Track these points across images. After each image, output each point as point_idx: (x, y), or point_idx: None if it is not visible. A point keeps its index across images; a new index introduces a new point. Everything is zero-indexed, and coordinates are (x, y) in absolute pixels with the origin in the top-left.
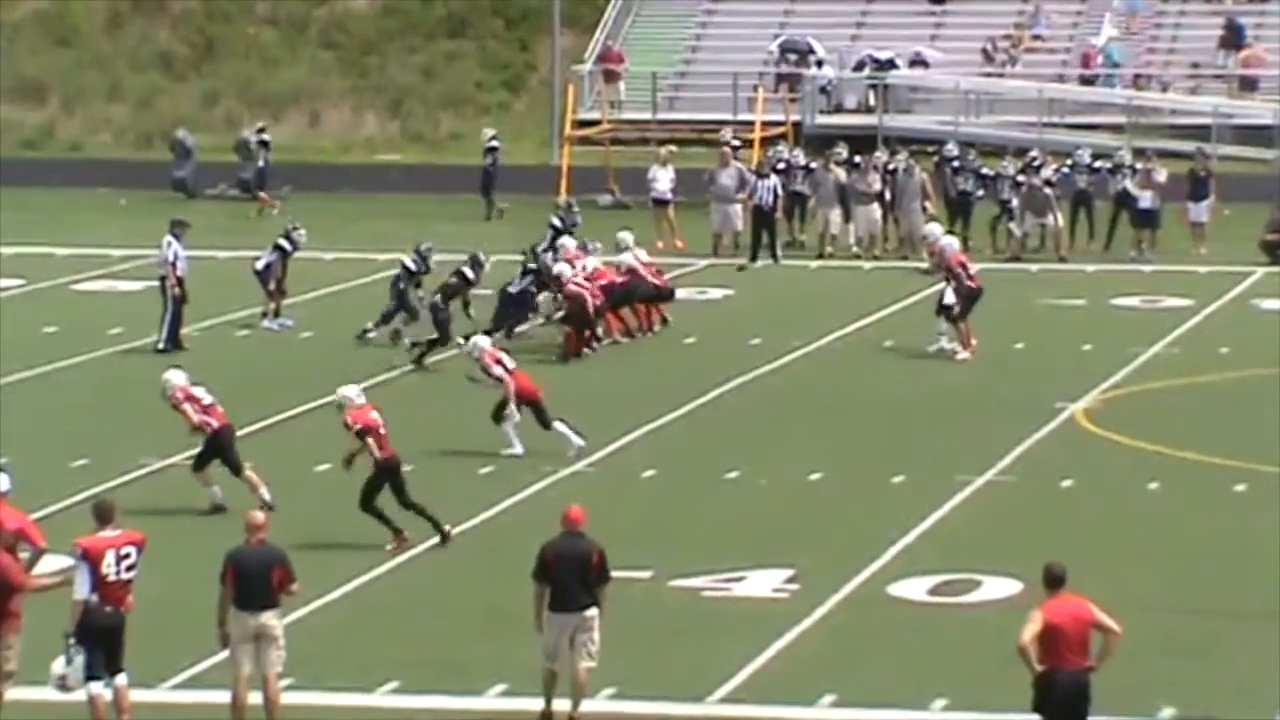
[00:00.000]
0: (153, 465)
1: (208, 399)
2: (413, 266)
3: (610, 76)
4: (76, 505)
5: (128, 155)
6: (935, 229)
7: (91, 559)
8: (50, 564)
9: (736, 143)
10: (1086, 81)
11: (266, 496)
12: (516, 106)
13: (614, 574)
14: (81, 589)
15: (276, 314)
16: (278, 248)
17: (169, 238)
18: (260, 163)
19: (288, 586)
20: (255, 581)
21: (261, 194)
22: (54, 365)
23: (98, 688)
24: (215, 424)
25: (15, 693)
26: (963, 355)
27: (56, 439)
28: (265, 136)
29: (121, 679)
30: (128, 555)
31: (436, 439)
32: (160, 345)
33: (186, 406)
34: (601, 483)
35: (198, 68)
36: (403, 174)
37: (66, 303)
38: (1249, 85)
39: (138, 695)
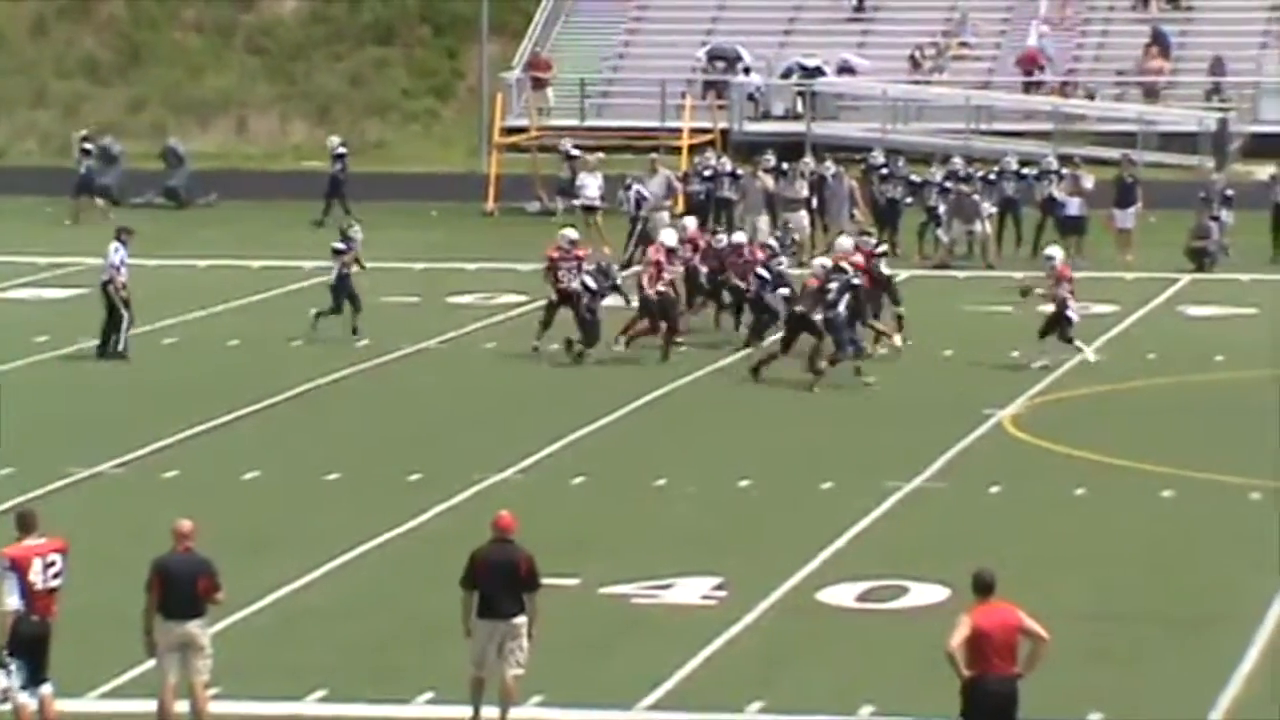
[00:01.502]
0: (79, 474)
1: None
2: (341, 247)
3: (538, 84)
4: (1, 515)
5: (52, 162)
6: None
7: (19, 568)
8: None
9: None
10: (1028, 87)
11: None
12: (444, 114)
13: (543, 581)
14: (11, 599)
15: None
16: (336, 251)
17: (115, 244)
18: (83, 169)
19: (213, 595)
20: (181, 590)
21: (98, 200)
22: None
23: (23, 697)
24: None
25: None
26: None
27: None
28: (89, 146)
29: (47, 688)
30: (54, 563)
31: (367, 445)
32: (120, 349)
33: None
34: (531, 490)
35: (124, 74)
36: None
37: None
38: (1152, 93)
39: (64, 705)
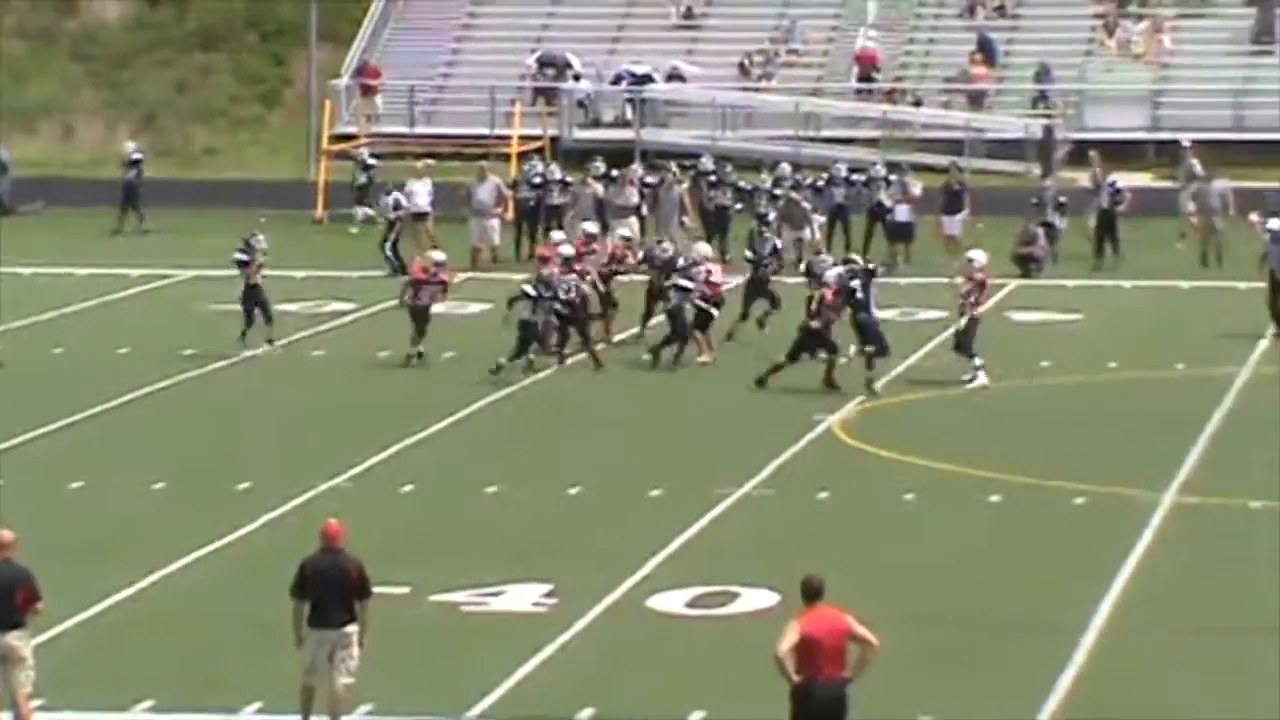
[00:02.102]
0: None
1: None
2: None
3: (367, 90)
4: None
5: None
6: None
7: None
8: None
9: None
10: (859, 93)
11: None
12: (272, 120)
13: (374, 589)
14: None
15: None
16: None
17: None
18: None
19: (33, 605)
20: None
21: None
22: None
23: None
24: None
25: None
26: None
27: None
28: None
29: None
30: None
31: (195, 454)
32: None
33: None
34: (360, 498)
35: None
36: (157, 189)
37: None
38: (978, 101)
39: None
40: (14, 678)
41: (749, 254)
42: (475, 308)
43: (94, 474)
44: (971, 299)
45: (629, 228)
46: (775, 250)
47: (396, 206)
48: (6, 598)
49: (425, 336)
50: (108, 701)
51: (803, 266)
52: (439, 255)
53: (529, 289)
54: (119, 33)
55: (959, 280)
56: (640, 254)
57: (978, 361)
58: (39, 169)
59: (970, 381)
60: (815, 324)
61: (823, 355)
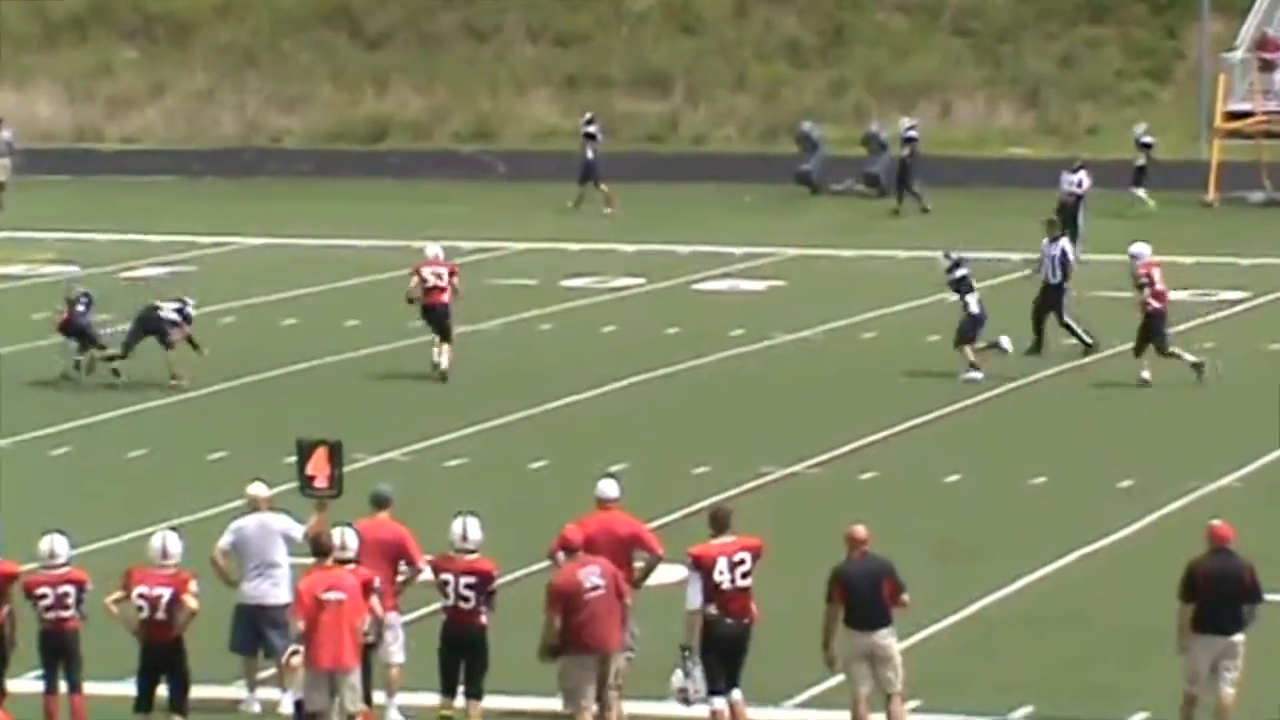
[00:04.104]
0: (774, 474)
1: None
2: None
3: (1265, 65)
4: (697, 513)
5: (752, 149)
6: None
7: (703, 567)
8: (666, 573)
9: None
10: None
11: None
12: (1161, 97)
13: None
14: (693, 599)
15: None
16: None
17: None
18: (589, 155)
19: (899, 599)
20: (864, 598)
21: (603, 187)
22: (675, 367)
23: (720, 702)
24: None
25: (635, 705)
26: None
27: (677, 445)
28: (592, 129)
29: (737, 694)
30: (741, 562)
31: (1073, 447)
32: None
33: None
34: (1249, 499)
35: (824, 56)
36: (1034, 169)
37: (688, 302)
38: None
39: (757, 713)
40: (883, 677)
41: None
42: None
43: (970, 466)
44: None
45: None
46: None
47: None
48: (871, 593)
49: None
50: (984, 706)
51: None
52: None
53: None
54: (1003, 6)
55: None
56: None
57: None
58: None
59: None
60: None
61: None
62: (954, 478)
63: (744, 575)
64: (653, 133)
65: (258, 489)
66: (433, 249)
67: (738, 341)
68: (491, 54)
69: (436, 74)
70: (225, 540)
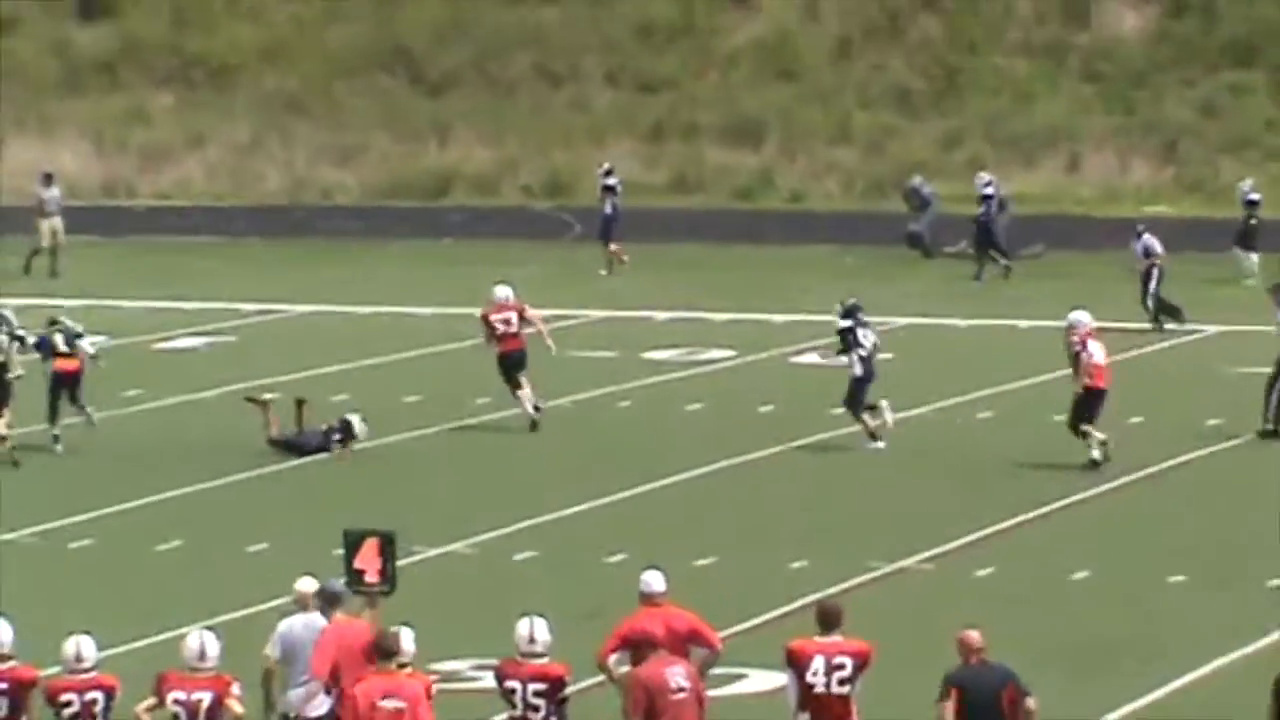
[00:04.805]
0: (880, 569)
1: None
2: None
3: None
4: (792, 614)
5: (855, 207)
6: None
7: (795, 664)
8: (759, 680)
9: None
10: None
11: None
12: None
13: None
14: (790, 700)
15: None
16: None
17: None
18: (608, 209)
19: (1024, 707)
20: (982, 706)
21: (611, 245)
22: (768, 450)
23: None
24: None
25: None
26: None
27: (772, 536)
28: (612, 180)
29: None
30: (841, 666)
31: (1215, 541)
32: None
33: None
34: None
35: (937, 104)
36: (1171, 229)
37: (783, 377)
38: None
39: None
40: None
41: None
42: None
43: (1100, 561)
44: None
45: None
46: None
47: None
48: (989, 703)
49: None
50: None
51: None
52: None
53: None
54: (1136, 47)
55: None
56: None
57: None
58: (1041, 205)
59: None
60: None
61: None
62: (1081, 574)
63: (841, 682)
64: (744, 188)
65: (306, 584)
66: (502, 291)
67: (838, 421)
68: (566, 101)
69: (505, 123)
70: (274, 649)
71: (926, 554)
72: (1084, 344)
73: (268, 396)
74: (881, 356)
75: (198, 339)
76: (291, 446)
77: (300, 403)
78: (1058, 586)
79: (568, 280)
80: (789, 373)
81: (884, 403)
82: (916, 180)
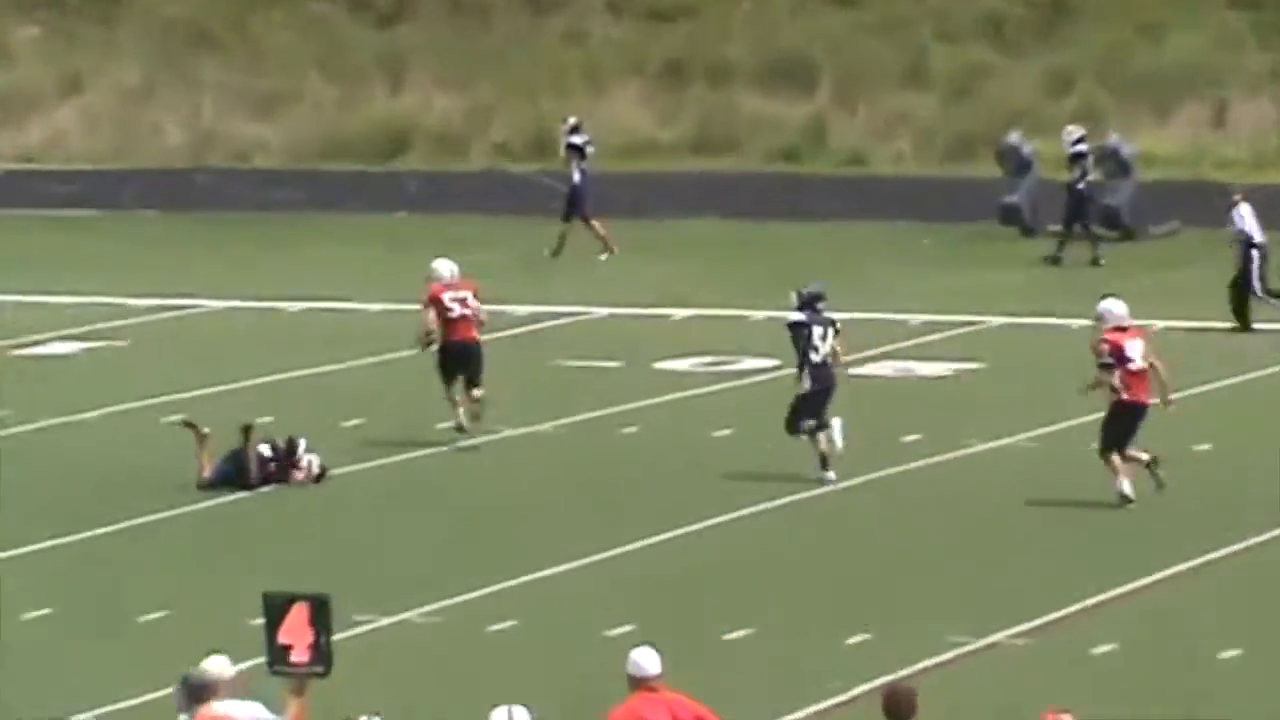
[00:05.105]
0: (966, 646)
1: None
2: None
3: None
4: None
5: (933, 171)
6: None
7: None
8: None
9: None
10: None
11: None
12: None
13: None
14: None
15: None
16: None
17: None
18: (576, 177)
19: None
20: None
21: (594, 222)
22: (820, 490)
23: None
24: None
25: None
26: None
27: (823, 603)
28: (578, 139)
29: None
30: None
31: None
32: None
33: None
34: None
35: (1041, 37)
36: None
37: (840, 393)
38: None
39: None
40: None
41: None
42: None
43: (1244, 634)
44: None
45: None
46: None
47: None
48: None
49: None
50: None
51: None
52: None
53: None
54: None
55: None
56: None
57: None
58: (1174, 169)
59: None
60: None
61: None
62: (1232, 653)
63: None
64: (788, 147)
65: (216, 666)
66: (445, 266)
67: (912, 451)
68: (555, 33)
69: (475, 62)
70: None
71: (1023, 625)
72: (1117, 345)
73: (206, 430)
74: (968, 366)
75: (74, 344)
76: (230, 482)
77: (247, 429)
78: (1199, 665)
79: (555, 266)
80: (846, 389)
81: (836, 421)
82: (1014, 137)
